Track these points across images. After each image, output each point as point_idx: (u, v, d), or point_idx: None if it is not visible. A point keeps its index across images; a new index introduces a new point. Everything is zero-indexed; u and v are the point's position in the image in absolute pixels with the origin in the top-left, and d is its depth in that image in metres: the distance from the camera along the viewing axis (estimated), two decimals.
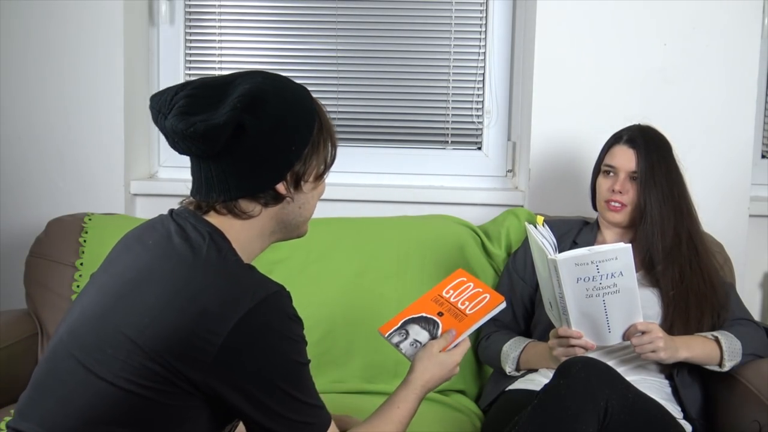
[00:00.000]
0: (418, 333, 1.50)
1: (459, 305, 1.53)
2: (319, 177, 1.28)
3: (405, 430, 1.37)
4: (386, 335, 1.52)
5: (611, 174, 1.89)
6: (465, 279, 1.58)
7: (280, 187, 1.23)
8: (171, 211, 1.29)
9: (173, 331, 1.13)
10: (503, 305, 1.51)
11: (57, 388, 1.18)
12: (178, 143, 1.21)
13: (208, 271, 1.18)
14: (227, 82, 1.22)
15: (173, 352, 1.12)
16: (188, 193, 1.28)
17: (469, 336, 1.49)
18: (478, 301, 1.53)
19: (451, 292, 1.56)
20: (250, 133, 1.18)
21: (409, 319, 1.54)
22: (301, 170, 1.24)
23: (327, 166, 1.29)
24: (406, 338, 1.50)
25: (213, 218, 1.25)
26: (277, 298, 1.18)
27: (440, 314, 1.52)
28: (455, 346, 1.45)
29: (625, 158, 1.86)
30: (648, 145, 1.85)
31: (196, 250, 1.20)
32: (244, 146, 1.19)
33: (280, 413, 1.18)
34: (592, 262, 1.60)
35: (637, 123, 1.93)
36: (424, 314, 1.53)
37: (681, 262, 1.83)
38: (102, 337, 1.17)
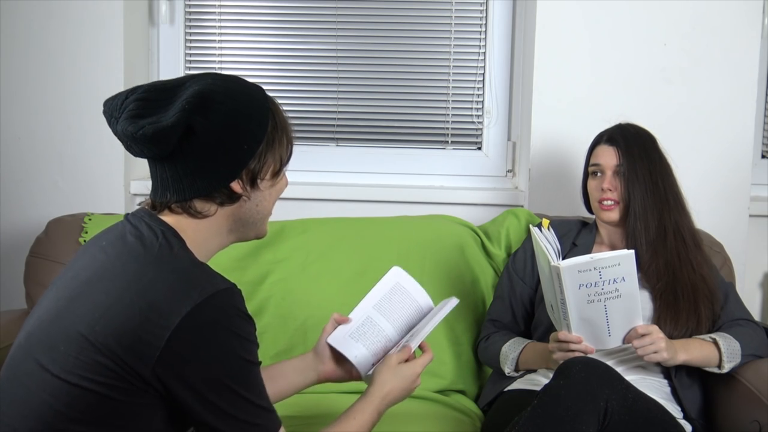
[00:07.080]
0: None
1: None
2: (276, 174, 1.29)
3: None
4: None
5: (598, 174, 1.92)
6: None
7: (235, 186, 1.24)
8: (127, 215, 1.30)
9: (122, 325, 1.13)
10: (454, 302, 1.52)
11: (17, 391, 1.18)
12: (131, 146, 1.22)
13: (158, 266, 1.18)
14: (178, 84, 1.23)
15: (122, 345, 1.12)
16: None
17: (430, 347, 1.51)
18: None
19: None
20: (200, 134, 1.19)
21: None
22: (257, 168, 1.25)
23: (283, 164, 1.30)
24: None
25: (168, 217, 1.25)
26: (227, 294, 1.17)
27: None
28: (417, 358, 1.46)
29: (607, 155, 1.90)
30: (627, 140, 1.89)
31: (148, 246, 1.20)
32: (195, 147, 1.20)
33: (225, 411, 1.17)
34: (595, 269, 1.60)
35: (617, 123, 1.96)
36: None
37: (666, 255, 1.84)
38: (56, 336, 1.17)
